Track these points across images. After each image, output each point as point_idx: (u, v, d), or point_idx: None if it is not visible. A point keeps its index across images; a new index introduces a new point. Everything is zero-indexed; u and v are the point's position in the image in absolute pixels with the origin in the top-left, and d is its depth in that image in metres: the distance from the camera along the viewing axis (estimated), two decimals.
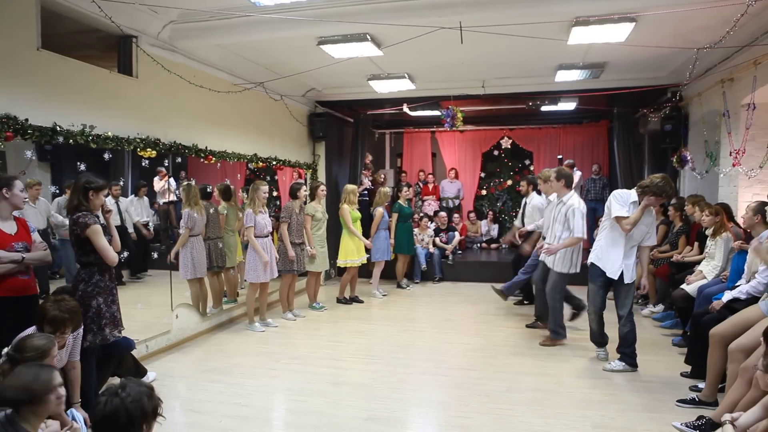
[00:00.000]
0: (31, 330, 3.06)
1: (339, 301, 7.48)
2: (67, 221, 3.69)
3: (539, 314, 5.94)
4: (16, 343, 2.76)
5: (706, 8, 4.50)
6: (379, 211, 7.76)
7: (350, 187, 7.42)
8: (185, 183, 5.90)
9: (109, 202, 5.90)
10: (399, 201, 8.37)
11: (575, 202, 5.19)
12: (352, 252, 7.27)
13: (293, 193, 6.61)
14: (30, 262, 3.47)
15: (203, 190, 6.26)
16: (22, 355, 2.65)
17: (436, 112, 9.00)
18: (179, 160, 5.73)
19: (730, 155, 5.80)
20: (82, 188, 3.58)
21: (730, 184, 6.33)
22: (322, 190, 6.99)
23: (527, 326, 6.06)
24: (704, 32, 5.29)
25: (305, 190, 6.68)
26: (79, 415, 3.27)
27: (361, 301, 7.48)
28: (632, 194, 4.53)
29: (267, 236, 6.07)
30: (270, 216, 7.15)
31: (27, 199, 3.70)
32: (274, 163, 7.72)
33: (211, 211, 6.20)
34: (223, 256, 6.34)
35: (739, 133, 5.77)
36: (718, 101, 6.29)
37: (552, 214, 5.40)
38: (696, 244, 6.09)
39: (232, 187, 6.73)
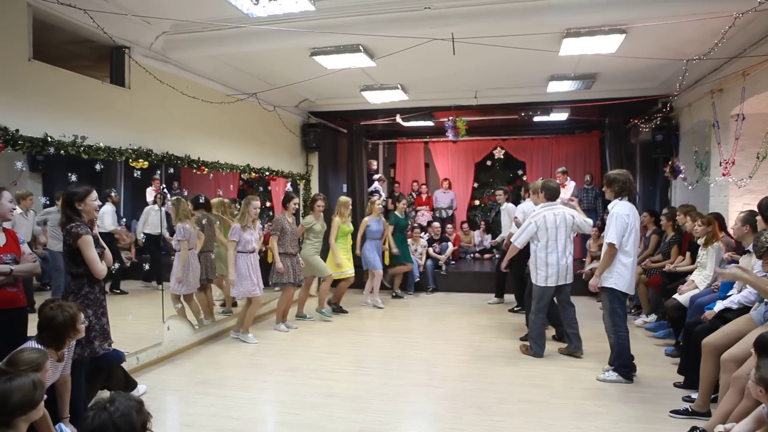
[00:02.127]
0: (31, 343, 3.03)
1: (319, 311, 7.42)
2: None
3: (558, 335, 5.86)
4: (9, 358, 2.71)
5: (695, 20, 4.55)
6: (364, 220, 7.72)
7: (343, 199, 7.40)
8: (174, 197, 5.80)
9: (110, 208, 5.91)
10: (395, 212, 8.35)
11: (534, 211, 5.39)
12: (333, 265, 7.20)
13: (284, 203, 6.57)
14: (19, 274, 3.43)
15: (196, 200, 6.21)
16: (16, 369, 2.61)
17: (429, 123, 9.05)
18: (171, 170, 5.69)
19: (720, 165, 5.85)
20: (66, 203, 3.57)
21: (720, 194, 6.38)
22: (319, 206, 6.94)
23: (553, 338, 5.92)
24: (693, 44, 5.36)
25: (296, 202, 6.61)
26: (67, 430, 3.24)
27: (345, 311, 7.43)
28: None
29: (252, 252, 5.96)
30: (263, 227, 7.12)
31: (20, 210, 3.67)
32: (267, 173, 7.71)
33: (204, 222, 6.16)
34: (213, 268, 6.30)
35: (728, 143, 5.82)
36: (707, 112, 6.35)
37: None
38: (688, 253, 6.11)
39: (225, 199, 6.71)
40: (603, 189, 4.74)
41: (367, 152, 11.20)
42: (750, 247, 4.30)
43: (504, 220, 7.67)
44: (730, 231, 5.48)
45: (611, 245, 4.43)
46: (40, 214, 5.48)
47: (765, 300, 3.67)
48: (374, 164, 10.79)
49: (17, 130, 3.85)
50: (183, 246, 5.66)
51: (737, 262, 4.53)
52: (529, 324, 5.46)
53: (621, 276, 4.46)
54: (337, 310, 7.47)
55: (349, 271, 7.36)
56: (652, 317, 6.43)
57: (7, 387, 2.28)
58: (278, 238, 6.37)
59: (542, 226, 5.18)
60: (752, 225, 4.32)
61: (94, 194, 3.69)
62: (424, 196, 11.22)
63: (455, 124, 8.33)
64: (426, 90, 7.97)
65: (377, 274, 7.84)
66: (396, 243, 8.21)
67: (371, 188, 10.46)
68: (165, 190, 5.72)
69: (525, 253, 7.04)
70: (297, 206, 6.68)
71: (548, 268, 5.17)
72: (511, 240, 5.25)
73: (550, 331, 5.85)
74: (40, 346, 3.03)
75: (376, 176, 10.63)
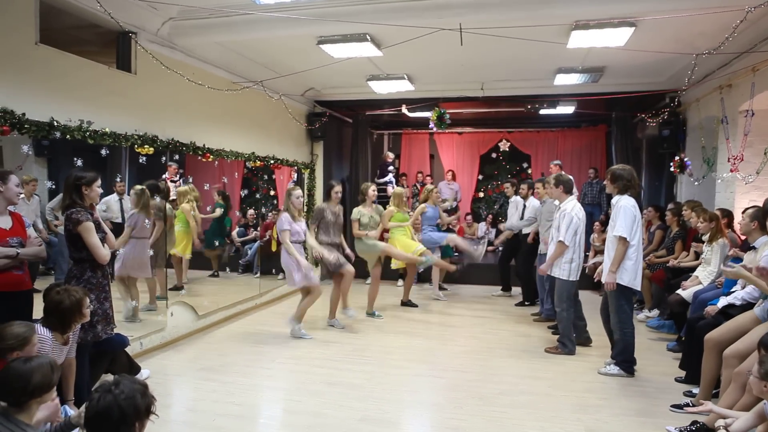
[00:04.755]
0: (38, 326, 3.05)
1: (404, 304, 7.41)
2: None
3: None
4: None
5: (705, 14, 4.51)
6: (422, 206, 7.52)
7: (398, 190, 7.31)
8: (138, 188, 5.53)
9: (114, 198, 5.86)
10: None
11: (569, 207, 5.18)
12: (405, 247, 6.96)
13: (326, 194, 6.37)
14: (25, 258, 3.45)
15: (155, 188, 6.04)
16: (4, 344, 2.61)
17: (432, 113, 9.00)
18: (177, 157, 5.69)
19: (728, 161, 5.81)
20: (73, 185, 3.57)
21: (726, 190, 6.35)
22: (374, 191, 6.74)
23: (553, 332, 5.88)
24: (703, 38, 5.31)
25: (337, 191, 6.29)
26: (72, 412, 3.25)
27: (416, 305, 7.35)
28: None
29: (301, 242, 5.78)
30: (267, 215, 7.06)
31: (22, 195, 3.67)
32: (272, 162, 7.71)
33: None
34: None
35: (736, 139, 5.79)
36: (716, 107, 6.31)
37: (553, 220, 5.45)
38: (692, 249, 6.10)
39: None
40: (605, 183, 4.69)
41: (372, 142, 11.20)
42: (755, 243, 4.29)
43: (511, 211, 7.71)
44: (736, 227, 5.46)
45: (624, 239, 4.34)
46: (52, 202, 5.47)
47: None
48: (390, 156, 10.75)
49: (23, 114, 3.86)
50: (127, 232, 5.43)
51: (741, 259, 4.52)
52: (559, 323, 5.29)
53: (626, 270, 4.41)
54: (408, 304, 7.39)
55: (419, 247, 7.04)
56: (655, 312, 6.43)
57: (27, 368, 2.31)
58: (316, 226, 6.09)
59: (581, 219, 5.15)
60: (760, 221, 4.30)
61: (99, 181, 3.71)
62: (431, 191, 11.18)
63: (434, 119, 8.34)
64: (432, 81, 7.94)
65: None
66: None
67: (386, 179, 10.45)
68: (182, 179, 5.61)
69: (533, 248, 7.10)
70: (339, 195, 6.33)
71: (578, 262, 5.13)
72: (561, 239, 5.05)
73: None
74: (45, 329, 3.06)
75: (391, 168, 10.62)
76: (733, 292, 4.31)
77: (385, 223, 6.94)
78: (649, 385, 4.38)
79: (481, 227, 11.16)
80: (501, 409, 3.91)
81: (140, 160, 5.16)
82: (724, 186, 6.35)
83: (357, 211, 6.63)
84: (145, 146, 5.10)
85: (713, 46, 5.12)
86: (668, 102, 7.66)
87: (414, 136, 12.26)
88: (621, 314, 4.54)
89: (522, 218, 7.25)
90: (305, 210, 8.67)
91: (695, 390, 3.98)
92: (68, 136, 4.25)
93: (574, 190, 5.62)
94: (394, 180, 10.51)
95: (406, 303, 7.42)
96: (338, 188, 6.32)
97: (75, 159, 4.52)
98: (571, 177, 5.44)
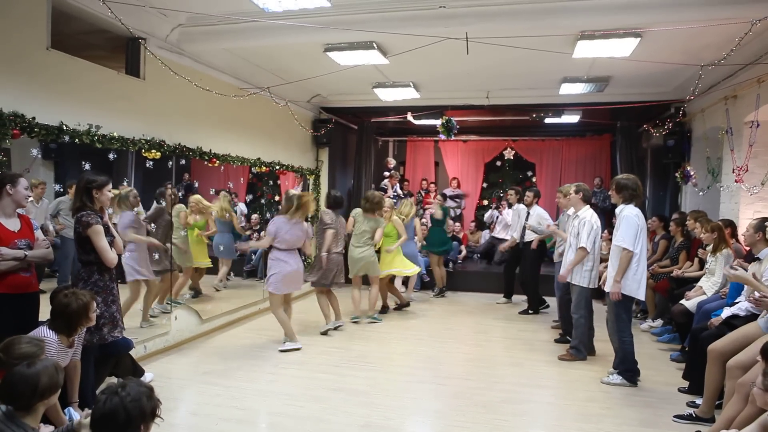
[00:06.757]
0: (44, 329, 3.08)
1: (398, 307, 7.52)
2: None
3: (565, 329, 5.86)
4: (5, 345, 2.61)
5: (711, 26, 4.53)
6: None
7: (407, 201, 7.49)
8: (126, 188, 5.46)
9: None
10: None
11: (588, 215, 5.20)
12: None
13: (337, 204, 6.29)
14: (32, 260, 3.48)
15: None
16: (9, 360, 2.53)
17: (440, 122, 9.07)
18: (183, 162, 5.73)
19: (733, 172, 5.81)
20: (84, 189, 3.60)
21: (731, 200, 6.34)
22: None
23: (556, 341, 5.95)
24: (709, 49, 5.33)
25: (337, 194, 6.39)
26: (76, 414, 3.28)
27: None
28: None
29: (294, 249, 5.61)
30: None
31: (31, 198, 3.70)
32: (278, 167, 7.74)
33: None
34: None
35: (741, 150, 5.80)
36: (721, 118, 6.31)
37: (569, 229, 5.44)
38: (696, 259, 6.09)
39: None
40: (609, 193, 4.72)
41: (377, 149, 11.22)
42: (760, 255, 4.28)
43: (513, 219, 7.76)
44: (741, 238, 5.45)
45: (627, 250, 4.34)
46: (51, 206, 5.50)
47: None
48: (391, 163, 10.77)
49: (33, 118, 3.90)
50: (131, 233, 5.37)
51: (746, 269, 4.51)
52: (576, 329, 5.25)
53: (626, 279, 4.41)
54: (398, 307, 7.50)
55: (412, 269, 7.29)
56: (658, 322, 6.41)
57: (33, 371, 2.32)
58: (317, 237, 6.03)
59: (600, 227, 5.21)
60: (764, 232, 4.29)
61: (110, 185, 3.75)
62: (432, 195, 11.22)
63: (439, 126, 8.45)
64: (438, 89, 7.98)
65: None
66: (432, 234, 8.36)
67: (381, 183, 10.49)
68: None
69: (537, 255, 7.11)
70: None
71: (596, 270, 5.16)
72: (582, 245, 5.06)
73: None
74: (51, 332, 3.09)
75: (387, 173, 10.63)
76: (738, 302, 4.30)
77: (378, 239, 6.91)
78: (652, 395, 4.37)
79: (485, 235, 11.15)
80: (503, 417, 3.91)
81: (147, 165, 5.20)
82: (729, 196, 6.35)
83: (357, 212, 6.66)
84: (152, 151, 5.14)
85: (719, 57, 5.13)
86: (673, 112, 7.66)
87: (419, 143, 12.30)
88: (619, 323, 4.54)
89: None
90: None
91: (698, 400, 3.97)
92: (77, 140, 4.29)
93: None
94: (388, 185, 10.48)
95: (398, 307, 7.48)
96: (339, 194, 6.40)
97: (82, 162, 4.57)
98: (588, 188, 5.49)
